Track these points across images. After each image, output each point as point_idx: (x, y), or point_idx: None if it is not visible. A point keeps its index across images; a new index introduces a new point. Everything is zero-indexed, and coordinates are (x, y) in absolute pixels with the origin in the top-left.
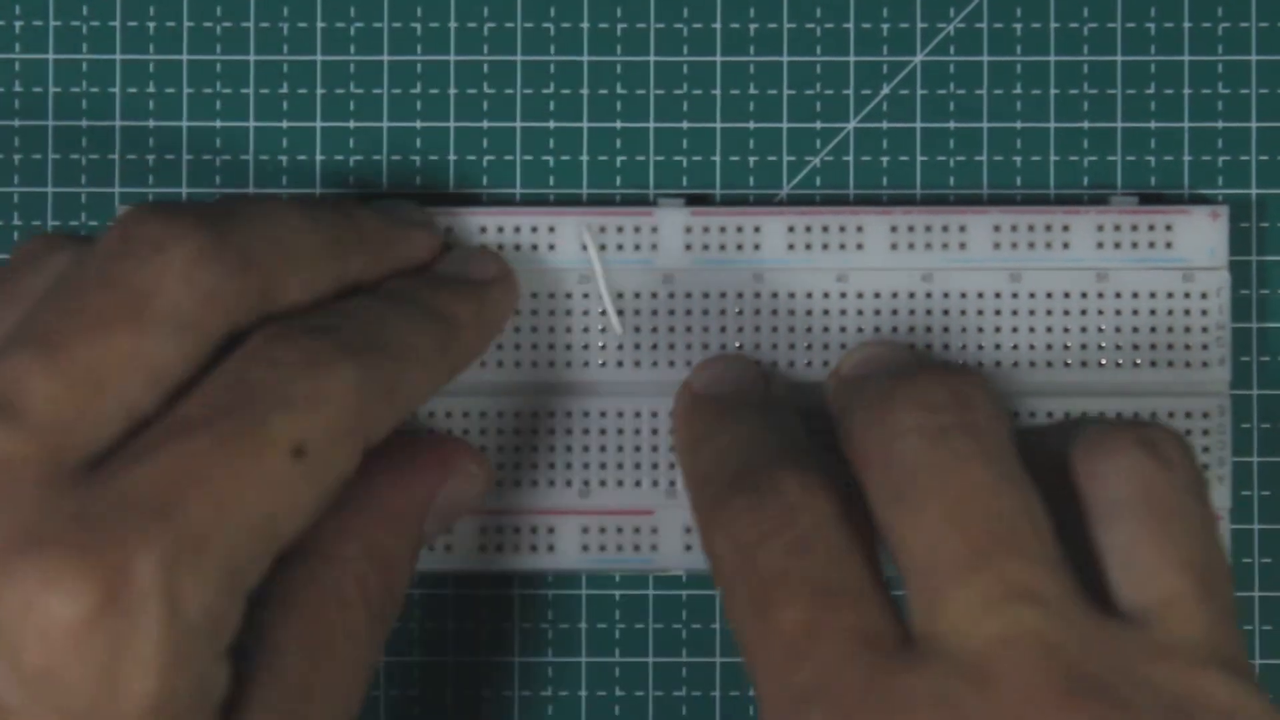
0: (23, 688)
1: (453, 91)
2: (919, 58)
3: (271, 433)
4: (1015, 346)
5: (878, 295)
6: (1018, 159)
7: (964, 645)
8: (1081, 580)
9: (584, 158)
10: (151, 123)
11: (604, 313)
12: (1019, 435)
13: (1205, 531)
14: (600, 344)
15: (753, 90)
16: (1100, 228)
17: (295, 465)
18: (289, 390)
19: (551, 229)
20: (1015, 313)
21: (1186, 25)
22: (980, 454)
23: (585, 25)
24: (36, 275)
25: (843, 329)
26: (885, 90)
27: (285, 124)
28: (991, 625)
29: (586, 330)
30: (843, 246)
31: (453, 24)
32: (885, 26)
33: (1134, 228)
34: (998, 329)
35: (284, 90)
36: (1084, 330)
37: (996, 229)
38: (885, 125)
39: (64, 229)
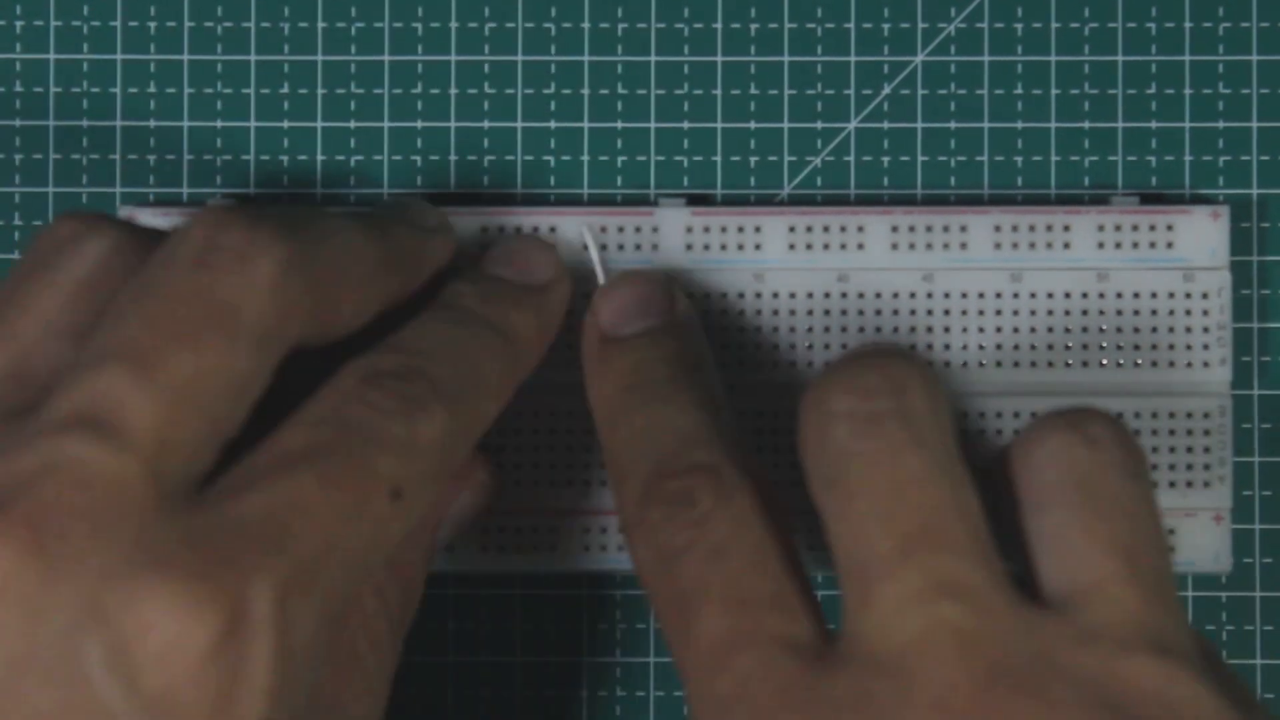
0: (140, 710)
1: (454, 91)
2: (920, 58)
3: (375, 474)
4: (1016, 346)
5: (878, 295)
6: (1019, 159)
7: (887, 643)
8: (1013, 572)
9: (585, 158)
10: (152, 123)
11: None
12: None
13: (1136, 511)
14: None
15: (754, 90)
16: (1101, 228)
17: (393, 506)
18: (389, 434)
19: (553, 229)
20: (1016, 313)
21: (1187, 25)
22: (912, 443)
23: (586, 25)
24: (76, 262)
25: (843, 329)
26: (886, 90)
27: (286, 124)
28: (914, 621)
29: None
30: (843, 246)
31: (454, 24)
32: (886, 26)
33: (1135, 228)
34: (998, 329)
35: (285, 90)
36: (1085, 330)
37: (997, 229)
38: (886, 125)
39: None
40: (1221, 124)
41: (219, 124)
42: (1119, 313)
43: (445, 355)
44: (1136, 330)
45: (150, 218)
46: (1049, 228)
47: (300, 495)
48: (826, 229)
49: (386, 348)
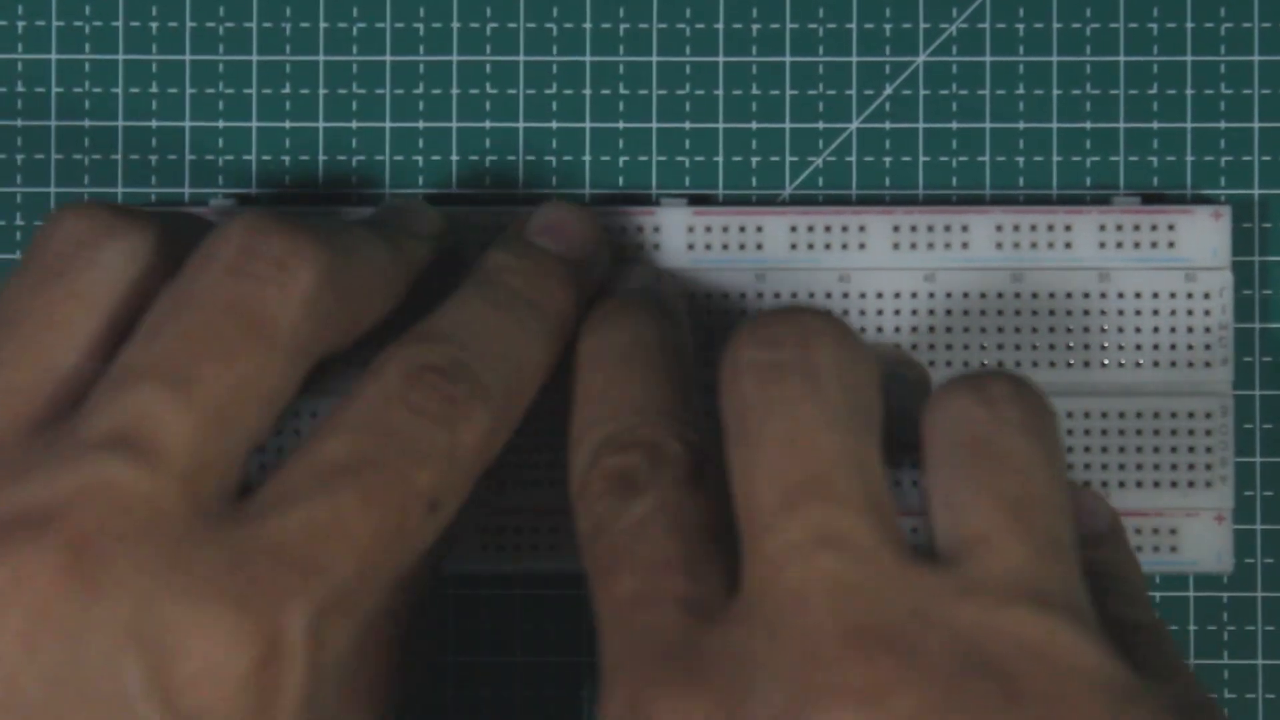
0: None
1: (455, 92)
2: (921, 58)
3: (416, 489)
4: (1018, 346)
5: (880, 295)
6: (1020, 159)
7: (768, 595)
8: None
9: (587, 158)
10: (154, 123)
11: None
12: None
13: (1029, 467)
14: None
15: (755, 90)
16: (1103, 228)
17: (429, 518)
18: (430, 444)
19: None
20: (1018, 313)
21: (1189, 25)
22: (812, 395)
23: (588, 26)
24: (97, 271)
25: None
26: (888, 90)
27: (288, 124)
28: (793, 573)
29: None
30: (845, 246)
31: (455, 24)
32: (888, 27)
33: (1136, 228)
34: (1000, 329)
35: (286, 90)
36: (1086, 330)
37: (999, 229)
38: (888, 125)
39: None
40: (1223, 124)
41: (221, 124)
42: (1120, 313)
43: (489, 346)
44: (1138, 330)
45: None
46: (1050, 228)
47: (340, 514)
48: (828, 229)
49: (431, 335)
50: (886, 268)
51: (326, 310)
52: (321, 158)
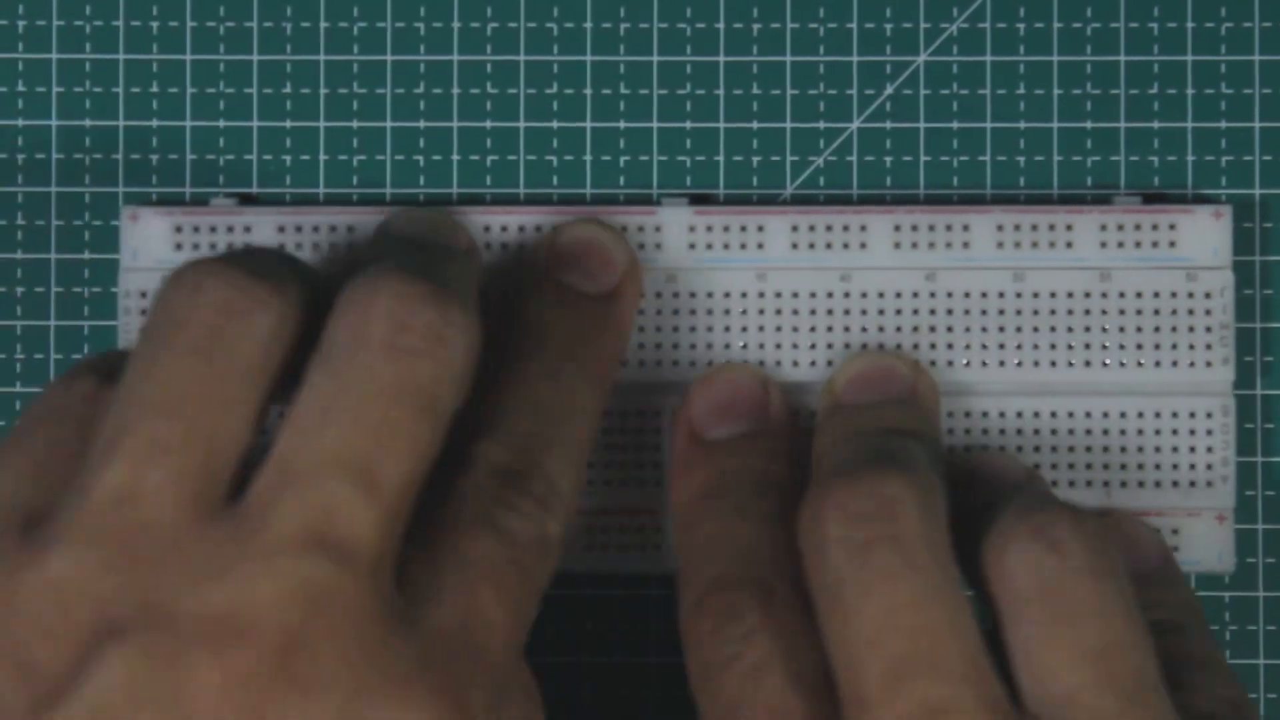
0: None
1: (456, 91)
2: (922, 58)
3: (534, 581)
4: (1018, 346)
5: (881, 295)
6: (1021, 159)
7: None
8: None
9: (587, 157)
10: (155, 122)
11: None
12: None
13: (1103, 609)
14: None
15: (756, 90)
16: (1104, 227)
17: (537, 603)
18: (528, 536)
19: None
20: (1019, 312)
21: (1190, 25)
22: (903, 567)
23: (589, 25)
24: (255, 345)
25: (846, 328)
26: (889, 90)
27: (289, 124)
28: None
29: None
30: (846, 246)
31: (456, 24)
32: (888, 26)
33: (1137, 227)
34: (1001, 328)
35: (287, 90)
36: (1087, 330)
37: (1000, 228)
38: (889, 125)
39: (67, 229)
40: (1224, 124)
41: (221, 124)
42: (1121, 312)
43: (554, 429)
44: (1139, 330)
45: (157, 217)
46: (1051, 227)
47: (484, 610)
48: (829, 228)
49: (503, 430)
50: (887, 267)
51: (469, 373)
52: (322, 157)
